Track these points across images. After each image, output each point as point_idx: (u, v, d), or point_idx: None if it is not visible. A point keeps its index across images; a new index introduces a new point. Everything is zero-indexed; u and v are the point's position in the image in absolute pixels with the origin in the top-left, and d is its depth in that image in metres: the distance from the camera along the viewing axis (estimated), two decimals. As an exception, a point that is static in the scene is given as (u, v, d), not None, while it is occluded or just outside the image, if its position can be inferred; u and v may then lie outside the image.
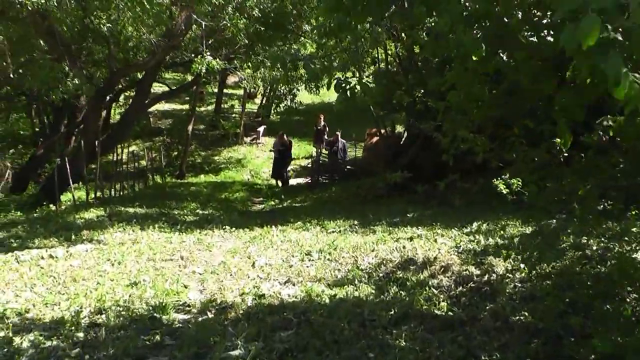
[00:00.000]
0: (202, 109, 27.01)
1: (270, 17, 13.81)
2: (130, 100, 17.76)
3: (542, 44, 3.04)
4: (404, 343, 4.04)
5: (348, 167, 17.08)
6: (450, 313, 4.62)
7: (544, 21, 3.14)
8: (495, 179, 4.25)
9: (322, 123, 19.13)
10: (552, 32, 2.98)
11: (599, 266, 5.14)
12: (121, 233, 8.18)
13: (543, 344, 3.94)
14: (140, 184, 15.98)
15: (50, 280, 5.72)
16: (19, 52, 10.79)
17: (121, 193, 14.02)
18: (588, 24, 2.07)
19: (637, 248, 5.19)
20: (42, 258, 6.56)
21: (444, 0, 2.82)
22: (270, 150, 19.50)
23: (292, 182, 17.98)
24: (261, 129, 23.92)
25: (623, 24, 2.22)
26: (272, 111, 26.74)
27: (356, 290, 5.28)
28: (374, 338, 4.17)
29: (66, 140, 17.69)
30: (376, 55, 13.39)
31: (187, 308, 5.00)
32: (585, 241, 5.68)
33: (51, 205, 11.18)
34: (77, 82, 9.89)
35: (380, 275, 5.73)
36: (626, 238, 5.46)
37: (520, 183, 4.32)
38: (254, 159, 21.85)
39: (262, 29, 13.51)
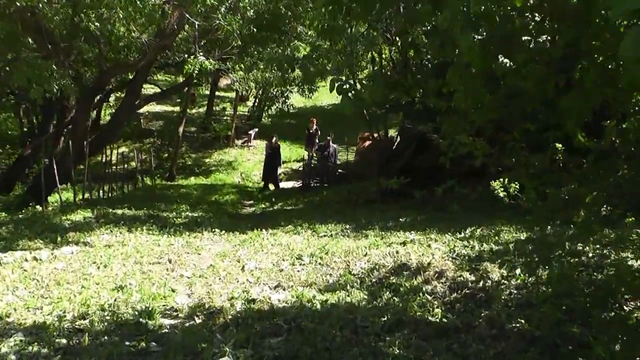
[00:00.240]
0: (194, 111, 26.86)
1: (264, 18, 13.70)
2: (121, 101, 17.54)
3: (545, 47, 2.95)
4: (398, 351, 3.92)
5: (340, 170, 17.00)
6: (444, 320, 4.51)
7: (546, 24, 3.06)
8: (493, 181, 4.16)
9: (315, 127, 19.14)
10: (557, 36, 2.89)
11: (595, 273, 5.06)
12: (108, 235, 8.01)
13: (540, 353, 3.84)
14: (129, 185, 15.79)
15: (33, 284, 5.55)
16: (6, 49, 10.56)
17: (110, 194, 13.82)
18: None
19: (634, 256, 5.11)
20: (26, 260, 6.38)
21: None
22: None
23: (283, 185, 17.84)
24: (253, 131, 23.81)
25: None
26: (264, 114, 26.64)
27: (348, 295, 5.16)
28: (367, 345, 4.04)
29: (55, 140, 17.42)
30: (370, 58, 13.31)
31: (175, 313, 4.86)
32: (582, 248, 5.60)
33: (37, 206, 10.96)
34: (63, 81, 9.69)
35: (373, 280, 5.61)
36: (622, 245, 5.38)
37: (517, 187, 4.23)
38: (245, 161, 21.72)
39: (255, 30, 13.37)
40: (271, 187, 17.15)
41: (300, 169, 18.24)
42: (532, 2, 3.01)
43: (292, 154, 21.74)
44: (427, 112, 6.71)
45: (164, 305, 4.97)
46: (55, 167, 11.32)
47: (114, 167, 15.00)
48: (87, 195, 12.47)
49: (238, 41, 13.32)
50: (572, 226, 4.97)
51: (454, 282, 5.30)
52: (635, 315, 4.10)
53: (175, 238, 7.91)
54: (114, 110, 18.92)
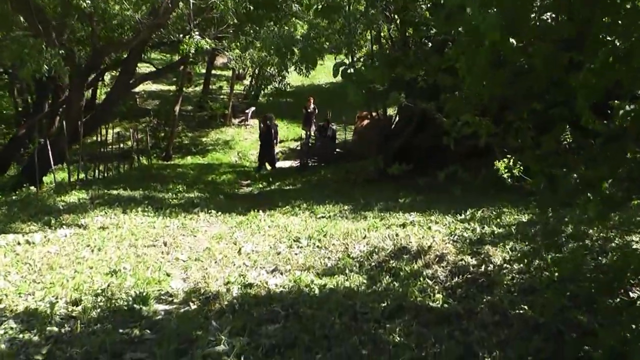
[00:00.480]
0: (190, 89, 26.53)
1: (260, -5, 13.38)
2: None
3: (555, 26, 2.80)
4: (399, 338, 3.82)
5: (337, 150, 16.84)
6: (445, 305, 4.41)
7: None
8: (497, 161, 4.04)
9: (312, 106, 18.94)
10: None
11: (599, 257, 4.95)
12: (103, 217, 7.87)
13: (544, 341, 3.74)
14: (125, 165, 15.62)
15: (25, 268, 5.42)
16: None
17: (105, 175, 13.67)
18: None
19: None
20: (19, 244, 6.24)
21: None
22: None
23: (281, 164, 17.65)
24: (250, 110, 23.55)
25: None
26: (261, 93, 26.35)
27: (347, 280, 5.05)
28: (367, 333, 3.94)
29: (50, 120, 17.15)
30: (374, 37, 13.03)
31: (169, 298, 4.75)
32: (585, 230, 5.48)
33: (32, 188, 10.80)
34: (54, 60, 9.44)
35: (372, 264, 5.50)
36: (626, 228, 5.26)
37: (522, 168, 4.10)
38: (242, 140, 21.52)
39: (251, 8, 13.06)
40: (267, 166, 16.94)
41: (298, 148, 18.07)
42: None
43: (289, 133, 21.53)
44: (429, 90, 6.54)
45: (158, 290, 4.86)
46: (49, 147, 11.13)
47: (110, 147, 14.81)
48: (82, 175, 12.30)
49: (234, 19, 13.01)
50: (576, 210, 4.83)
51: (455, 266, 5.20)
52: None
53: (170, 220, 7.77)
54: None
